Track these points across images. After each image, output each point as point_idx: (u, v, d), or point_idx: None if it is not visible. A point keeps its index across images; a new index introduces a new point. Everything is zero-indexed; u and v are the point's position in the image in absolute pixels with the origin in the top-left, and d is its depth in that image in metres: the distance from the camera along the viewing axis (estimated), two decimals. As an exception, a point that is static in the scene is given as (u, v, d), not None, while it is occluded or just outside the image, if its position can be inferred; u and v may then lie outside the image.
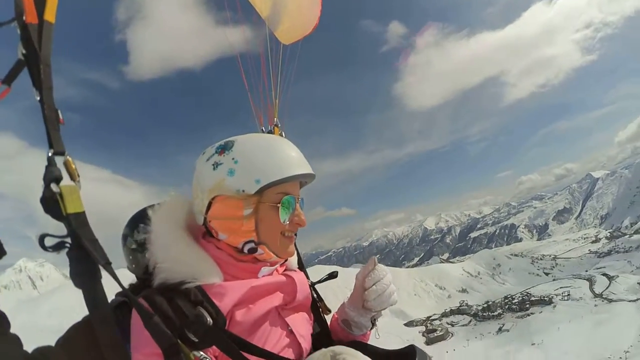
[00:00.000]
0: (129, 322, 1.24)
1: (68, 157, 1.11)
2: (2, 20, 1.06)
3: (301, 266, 1.85)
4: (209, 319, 1.18)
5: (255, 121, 2.49)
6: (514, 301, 68.01)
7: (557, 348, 42.10)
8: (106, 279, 1.13)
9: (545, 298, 64.52)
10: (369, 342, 1.69)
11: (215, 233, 1.38)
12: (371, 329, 1.69)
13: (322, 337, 1.63)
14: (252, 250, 1.37)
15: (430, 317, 75.51)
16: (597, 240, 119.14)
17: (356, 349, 1.43)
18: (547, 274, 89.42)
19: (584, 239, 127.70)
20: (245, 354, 1.21)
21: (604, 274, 68.47)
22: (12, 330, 1.13)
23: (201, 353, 1.15)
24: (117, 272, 1.13)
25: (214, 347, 1.20)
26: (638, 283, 56.54)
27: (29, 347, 1.25)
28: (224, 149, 1.35)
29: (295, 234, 1.48)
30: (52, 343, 1.56)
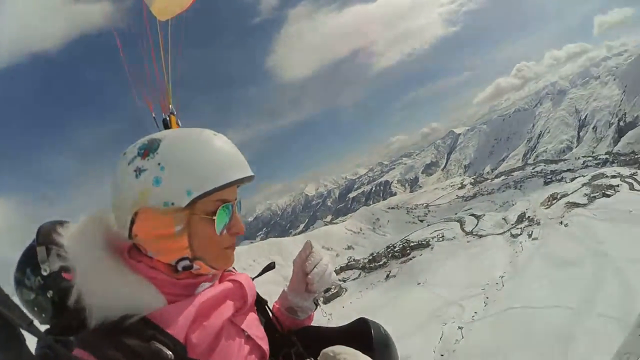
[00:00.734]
0: None
1: None
2: None
3: None
4: (168, 352, 0.99)
5: (146, 110, 2.24)
6: (395, 249, 72.66)
7: (440, 283, 45.61)
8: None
9: (423, 242, 70.17)
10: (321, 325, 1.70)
11: (144, 249, 1.15)
12: (315, 309, 1.70)
13: (268, 330, 1.48)
14: (187, 268, 1.16)
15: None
16: (463, 187, 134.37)
17: (311, 333, 1.57)
18: (421, 221, 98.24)
19: (451, 186, 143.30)
20: None
21: (472, 214, 76.77)
22: None
23: None
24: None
25: None
26: (502, 218, 64.42)
27: None
28: (147, 150, 1.11)
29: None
30: None
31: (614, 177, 60.73)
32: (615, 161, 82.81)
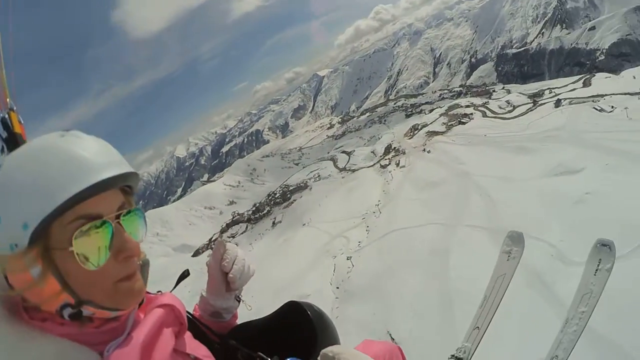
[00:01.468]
0: None
1: None
2: None
3: None
4: None
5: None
6: (276, 196, 73.96)
7: (323, 220, 48.39)
8: None
9: (302, 184, 72.62)
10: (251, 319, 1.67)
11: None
12: (238, 306, 1.63)
13: (203, 342, 1.30)
14: (76, 316, 0.90)
15: (212, 238, 75.95)
16: (332, 127, 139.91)
17: (246, 330, 1.55)
18: (297, 164, 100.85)
19: (321, 127, 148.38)
20: None
21: (343, 152, 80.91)
22: None
23: None
24: None
25: None
26: (371, 152, 69.29)
27: None
28: None
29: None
30: None
31: (467, 106, 67.25)
32: (469, 92, 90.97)
